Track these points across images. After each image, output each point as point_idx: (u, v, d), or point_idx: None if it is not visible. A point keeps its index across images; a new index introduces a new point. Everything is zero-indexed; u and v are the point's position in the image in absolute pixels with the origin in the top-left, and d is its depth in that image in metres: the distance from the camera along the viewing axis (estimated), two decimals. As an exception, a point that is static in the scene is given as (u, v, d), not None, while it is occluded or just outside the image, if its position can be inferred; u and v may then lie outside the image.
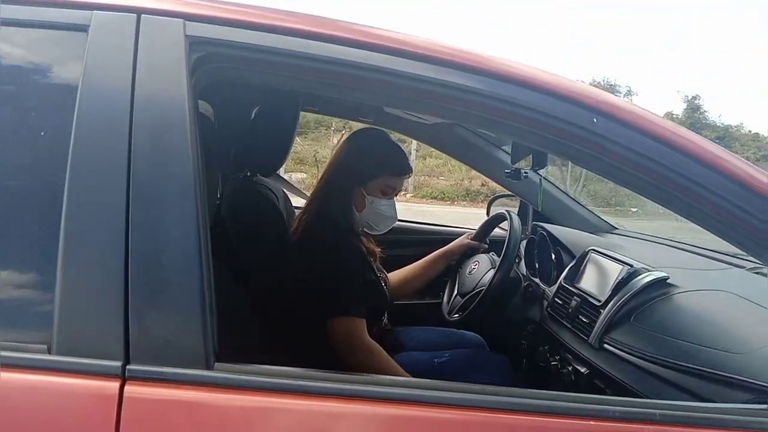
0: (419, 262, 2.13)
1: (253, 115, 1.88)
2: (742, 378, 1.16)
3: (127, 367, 0.79)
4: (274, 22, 0.95)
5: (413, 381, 0.98)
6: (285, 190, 2.11)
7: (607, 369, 1.48)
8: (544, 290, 1.98)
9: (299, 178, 13.15)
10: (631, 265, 1.60)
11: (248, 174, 1.83)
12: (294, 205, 2.13)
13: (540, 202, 2.02)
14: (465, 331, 2.13)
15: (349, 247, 1.69)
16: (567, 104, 0.94)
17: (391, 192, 1.73)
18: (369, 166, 1.71)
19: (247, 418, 0.80)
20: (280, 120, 1.78)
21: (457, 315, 1.98)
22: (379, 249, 1.88)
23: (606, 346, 1.52)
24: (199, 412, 0.79)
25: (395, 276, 2.07)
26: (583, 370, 1.58)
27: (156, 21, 0.90)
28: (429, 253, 2.15)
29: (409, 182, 14.35)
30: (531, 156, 1.66)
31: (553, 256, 2.01)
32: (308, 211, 1.76)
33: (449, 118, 1.10)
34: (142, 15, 0.90)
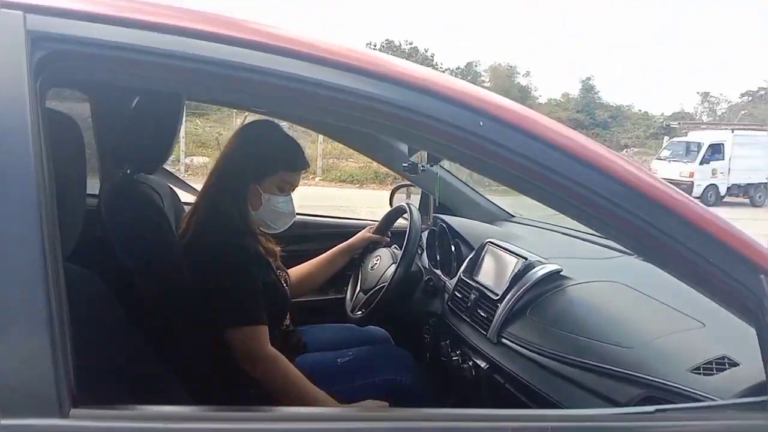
0: (320, 257, 2.06)
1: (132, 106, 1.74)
2: (633, 373, 1.18)
3: None
4: (133, 15, 0.84)
5: (307, 413, 0.91)
6: (172, 187, 1.97)
7: (505, 365, 1.48)
8: (444, 283, 1.97)
9: (201, 163, 12.68)
10: (526, 258, 1.60)
11: (128, 171, 1.69)
12: (184, 201, 2.00)
13: (437, 195, 2.00)
14: (370, 327, 2.10)
15: (244, 248, 1.59)
16: (453, 107, 0.90)
17: (288, 188, 1.65)
18: (263, 163, 1.61)
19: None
20: (161, 112, 1.64)
21: (360, 312, 1.93)
22: (279, 248, 1.79)
23: (504, 340, 1.52)
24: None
25: (295, 272, 1.99)
26: (482, 365, 1.58)
27: (-10, 13, 0.78)
28: (331, 248, 2.09)
29: (318, 165, 14.16)
30: (426, 152, 1.63)
31: (453, 249, 2.00)
32: (197, 210, 1.64)
33: (332, 120, 1.03)
34: (-27, 5, 0.77)
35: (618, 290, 1.46)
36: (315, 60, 0.86)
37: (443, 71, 26.43)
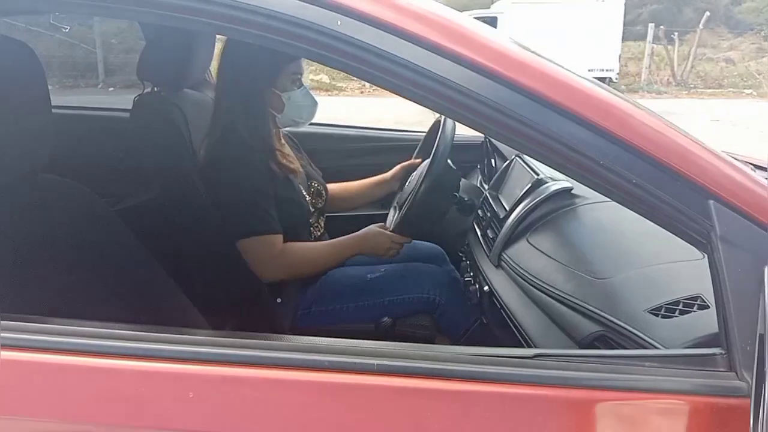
0: (360, 182, 1.99)
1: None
2: (593, 309, 1.02)
3: None
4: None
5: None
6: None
7: (499, 292, 1.36)
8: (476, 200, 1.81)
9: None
10: (537, 174, 1.42)
11: (155, 90, 1.72)
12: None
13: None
14: (422, 244, 2.01)
15: (253, 165, 1.58)
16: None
17: (298, 79, 1.61)
18: (269, 64, 1.57)
19: None
20: (182, 38, 1.64)
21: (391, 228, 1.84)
22: (299, 165, 1.75)
23: (503, 264, 1.38)
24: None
25: (335, 189, 1.96)
26: (485, 288, 1.45)
27: None
28: (394, 161, 2.00)
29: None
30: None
31: (494, 163, 1.83)
32: (212, 134, 1.64)
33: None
34: None
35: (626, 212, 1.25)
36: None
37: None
